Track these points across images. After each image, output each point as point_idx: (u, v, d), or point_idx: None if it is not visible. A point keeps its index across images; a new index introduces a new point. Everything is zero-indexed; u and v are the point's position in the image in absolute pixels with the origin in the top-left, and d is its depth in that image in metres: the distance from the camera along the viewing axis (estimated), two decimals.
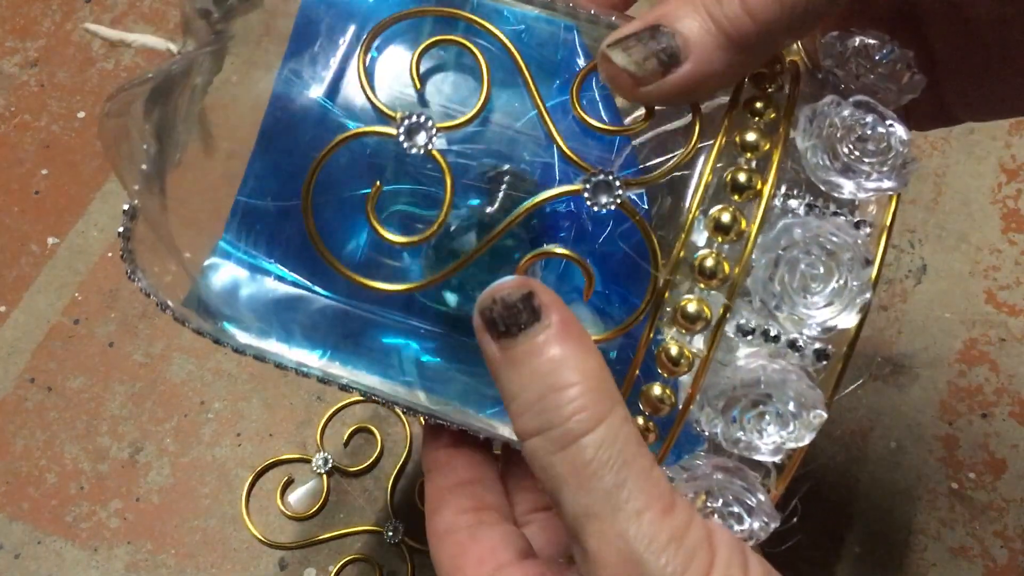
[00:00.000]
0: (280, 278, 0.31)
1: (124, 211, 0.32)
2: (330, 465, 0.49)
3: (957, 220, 0.55)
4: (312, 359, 0.33)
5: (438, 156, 0.28)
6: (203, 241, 0.32)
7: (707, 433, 0.29)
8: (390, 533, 0.47)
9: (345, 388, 0.33)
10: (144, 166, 0.30)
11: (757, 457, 0.28)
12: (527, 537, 0.33)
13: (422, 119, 0.28)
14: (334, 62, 0.30)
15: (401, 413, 0.50)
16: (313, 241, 0.29)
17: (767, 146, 0.27)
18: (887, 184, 0.27)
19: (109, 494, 0.49)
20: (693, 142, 0.28)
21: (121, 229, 0.32)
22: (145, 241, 0.32)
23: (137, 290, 0.33)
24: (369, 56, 0.29)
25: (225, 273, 0.31)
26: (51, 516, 0.49)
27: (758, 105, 0.28)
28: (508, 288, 0.27)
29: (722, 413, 0.28)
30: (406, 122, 0.28)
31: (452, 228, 0.29)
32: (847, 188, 0.27)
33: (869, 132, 0.27)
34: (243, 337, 0.33)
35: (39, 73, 0.62)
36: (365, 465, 0.49)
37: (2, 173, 0.59)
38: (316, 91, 0.30)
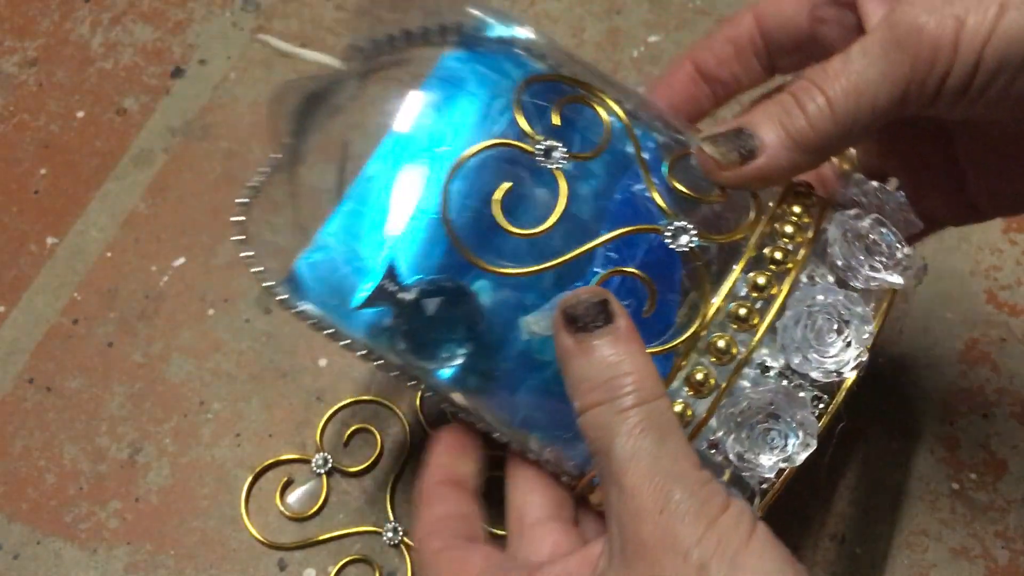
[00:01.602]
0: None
1: (250, 186, 0.38)
2: (329, 465, 0.49)
3: None
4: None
5: (558, 174, 0.35)
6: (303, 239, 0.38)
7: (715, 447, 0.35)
8: (389, 534, 0.47)
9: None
10: (279, 155, 0.38)
11: (758, 473, 0.34)
12: None
13: (559, 145, 0.35)
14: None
15: (401, 414, 0.50)
16: (454, 239, 0.35)
17: (800, 239, 0.36)
18: (894, 279, 0.35)
19: (108, 494, 0.49)
20: (753, 219, 0.36)
21: (245, 200, 0.37)
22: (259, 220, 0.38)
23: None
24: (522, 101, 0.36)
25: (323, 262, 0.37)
26: (50, 516, 0.49)
27: (796, 209, 0.37)
28: (589, 293, 0.33)
29: (735, 430, 0.34)
30: (545, 143, 0.35)
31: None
32: (862, 275, 0.35)
33: (882, 241, 0.36)
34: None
35: (38, 72, 0.62)
36: (365, 465, 0.49)
37: (1, 173, 0.59)
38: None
